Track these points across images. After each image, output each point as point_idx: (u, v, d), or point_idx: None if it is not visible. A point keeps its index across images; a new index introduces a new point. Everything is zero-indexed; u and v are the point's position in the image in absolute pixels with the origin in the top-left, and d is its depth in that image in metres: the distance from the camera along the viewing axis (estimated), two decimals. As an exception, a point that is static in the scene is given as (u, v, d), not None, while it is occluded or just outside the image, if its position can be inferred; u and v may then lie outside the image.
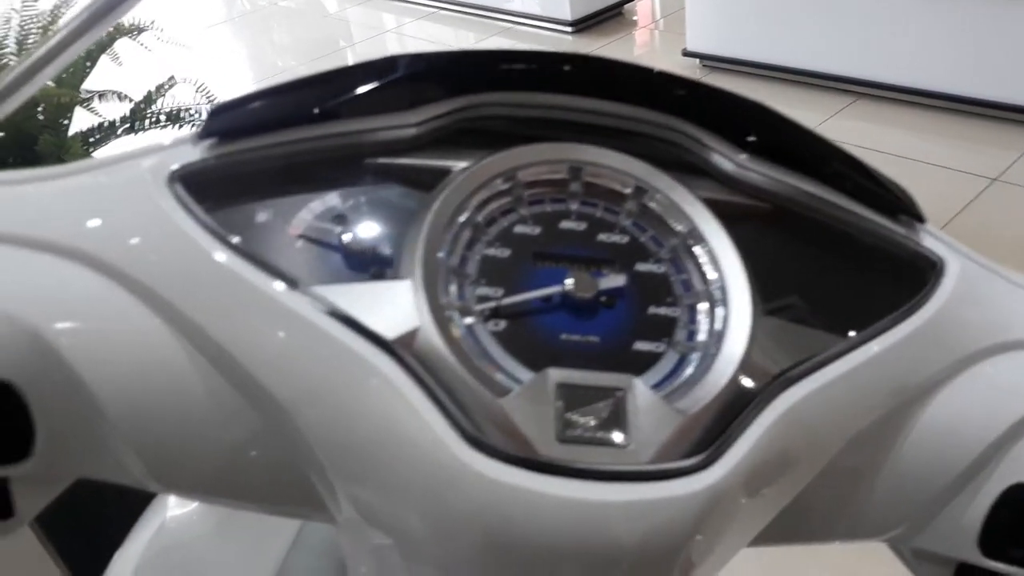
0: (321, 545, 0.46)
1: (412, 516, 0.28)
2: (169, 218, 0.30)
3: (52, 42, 0.41)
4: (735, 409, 0.29)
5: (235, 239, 0.30)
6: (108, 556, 0.49)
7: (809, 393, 0.29)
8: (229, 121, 0.32)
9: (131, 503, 0.50)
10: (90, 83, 1.59)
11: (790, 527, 0.33)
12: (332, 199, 0.32)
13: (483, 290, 0.31)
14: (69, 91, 1.43)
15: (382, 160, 0.33)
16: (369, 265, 0.31)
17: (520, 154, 0.33)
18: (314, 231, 0.31)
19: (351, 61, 0.41)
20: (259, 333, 0.29)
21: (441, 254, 0.30)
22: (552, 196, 0.33)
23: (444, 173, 0.32)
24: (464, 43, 3.45)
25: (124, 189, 0.31)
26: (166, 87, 1.57)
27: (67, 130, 1.50)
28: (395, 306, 0.29)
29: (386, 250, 0.31)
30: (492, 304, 0.30)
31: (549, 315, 0.31)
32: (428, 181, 0.32)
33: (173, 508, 0.50)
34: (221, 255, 0.30)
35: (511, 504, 0.27)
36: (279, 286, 0.29)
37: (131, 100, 1.52)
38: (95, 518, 1.67)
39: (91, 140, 1.47)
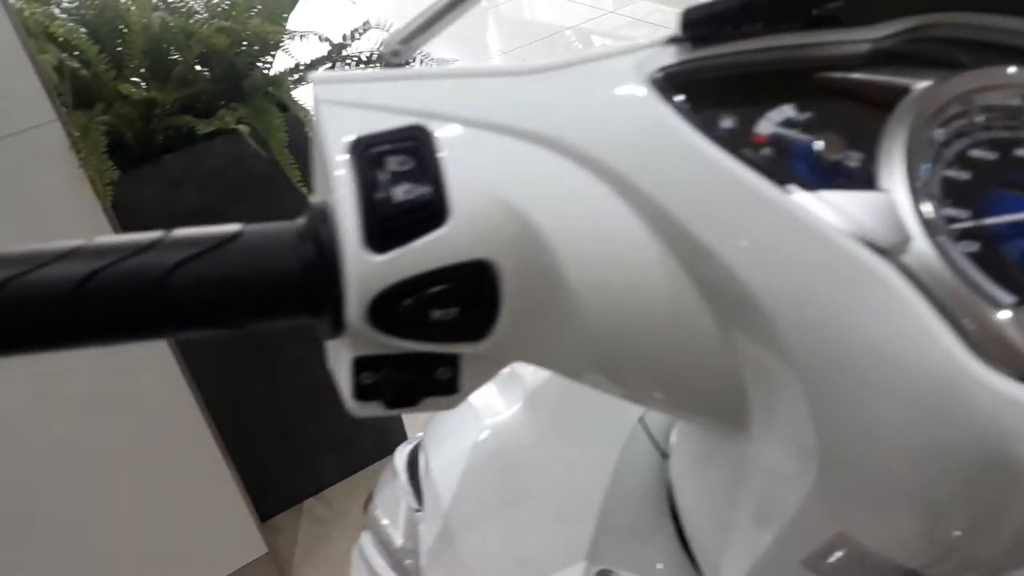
0: (645, 467, 0.47)
1: (892, 436, 0.29)
2: (657, 115, 0.31)
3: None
4: None
5: (721, 137, 0.31)
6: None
7: None
8: (702, 28, 0.33)
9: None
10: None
11: None
12: (789, 110, 0.33)
13: (949, 211, 0.31)
14: (278, 29, 1.49)
15: (838, 74, 0.33)
16: (837, 175, 0.31)
17: (982, 76, 0.32)
18: (782, 138, 0.32)
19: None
20: (748, 232, 0.30)
21: (917, 169, 0.31)
22: (1005, 123, 0.33)
23: (903, 91, 0.32)
24: None
25: (607, 86, 0.33)
26: (361, 31, 1.61)
27: (270, 67, 1.56)
28: (881, 216, 0.29)
29: (853, 162, 0.31)
30: (966, 224, 0.30)
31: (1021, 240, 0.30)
32: (885, 98, 0.32)
33: (487, 416, 0.53)
34: (711, 152, 0.30)
35: (1019, 421, 0.26)
36: (770, 186, 0.30)
37: (330, 42, 1.57)
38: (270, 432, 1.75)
39: (290, 80, 1.53)
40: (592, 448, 0.48)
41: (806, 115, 0.33)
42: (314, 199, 0.34)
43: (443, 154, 0.31)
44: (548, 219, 0.31)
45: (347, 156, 0.31)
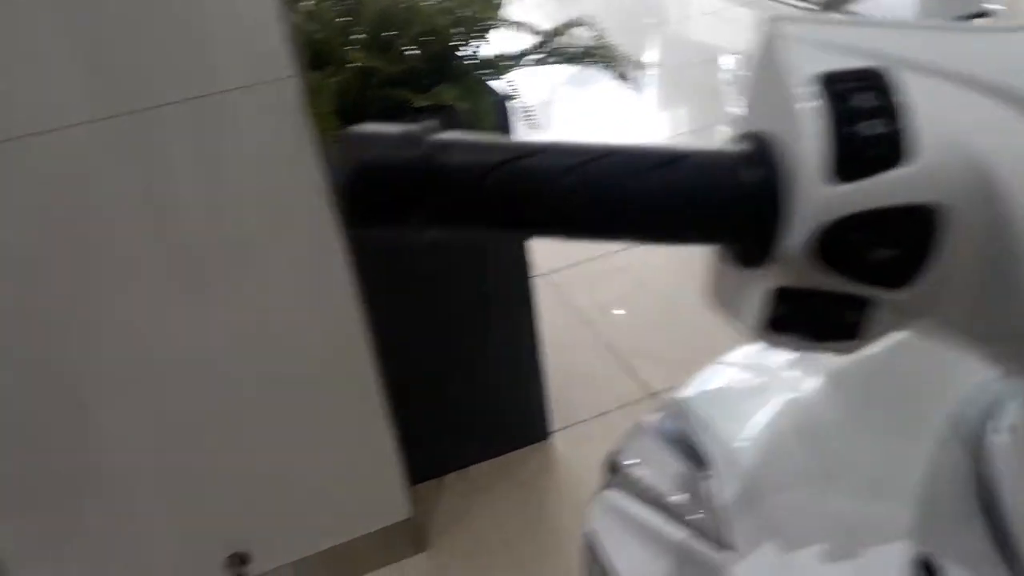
0: (956, 463, 0.46)
1: None
2: None
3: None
4: None
5: None
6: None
7: None
8: None
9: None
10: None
11: None
12: None
13: None
14: (495, 16, 1.54)
15: None
16: None
17: None
18: None
19: None
20: None
21: None
22: None
23: None
24: None
25: None
26: (568, 26, 1.65)
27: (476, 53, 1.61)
28: None
29: None
30: None
31: None
32: None
33: (780, 390, 0.53)
34: None
35: None
36: None
37: (540, 34, 1.61)
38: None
39: (498, 66, 1.57)
40: (901, 438, 0.48)
41: None
42: (752, 128, 0.35)
43: (907, 97, 0.32)
44: (1010, 173, 0.31)
45: (815, 88, 0.32)
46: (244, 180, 1.29)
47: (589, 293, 2.44)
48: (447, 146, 0.33)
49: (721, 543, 0.48)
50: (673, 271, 2.54)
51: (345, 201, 0.32)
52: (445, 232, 0.33)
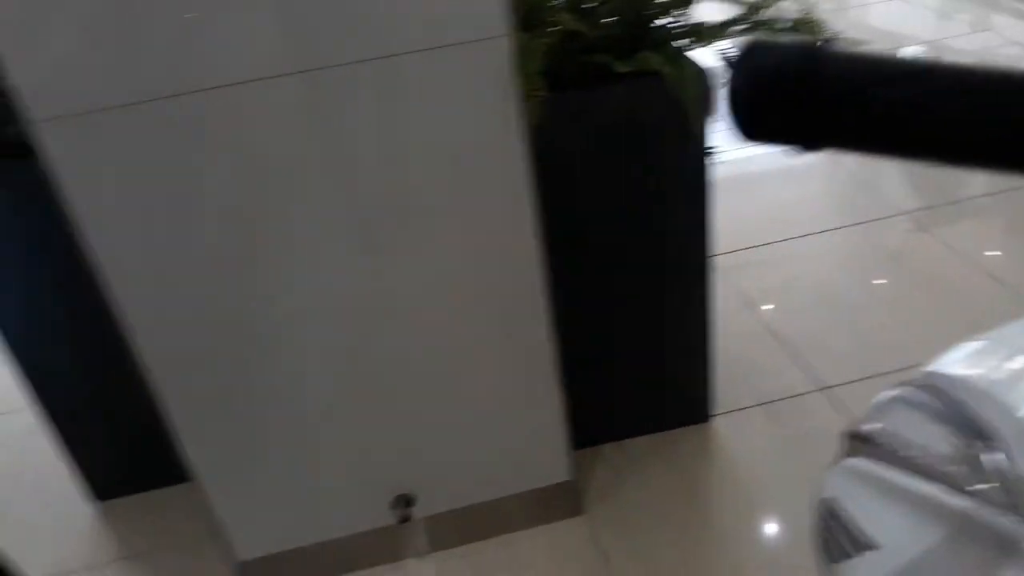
0: None
1: None
2: None
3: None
4: None
5: None
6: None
7: None
8: None
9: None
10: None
11: None
12: None
13: None
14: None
15: None
16: None
17: None
18: None
19: None
20: None
21: None
22: None
23: None
24: None
25: None
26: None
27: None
28: None
29: None
30: None
31: None
32: None
33: None
34: None
35: None
36: None
37: (746, 5, 1.57)
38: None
39: (702, 35, 1.54)
40: None
41: None
42: None
43: None
44: None
45: None
46: (446, 135, 1.32)
47: (756, 279, 2.38)
48: (841, 61, 0.32)
49: (1020, 513, 0.46)
50: (841, 263, 2.44)
51: (742, 109, 0.32)
52: (835, 146, 0.33)
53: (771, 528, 1.71)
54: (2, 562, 1.17)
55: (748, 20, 1.59)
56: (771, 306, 2.28)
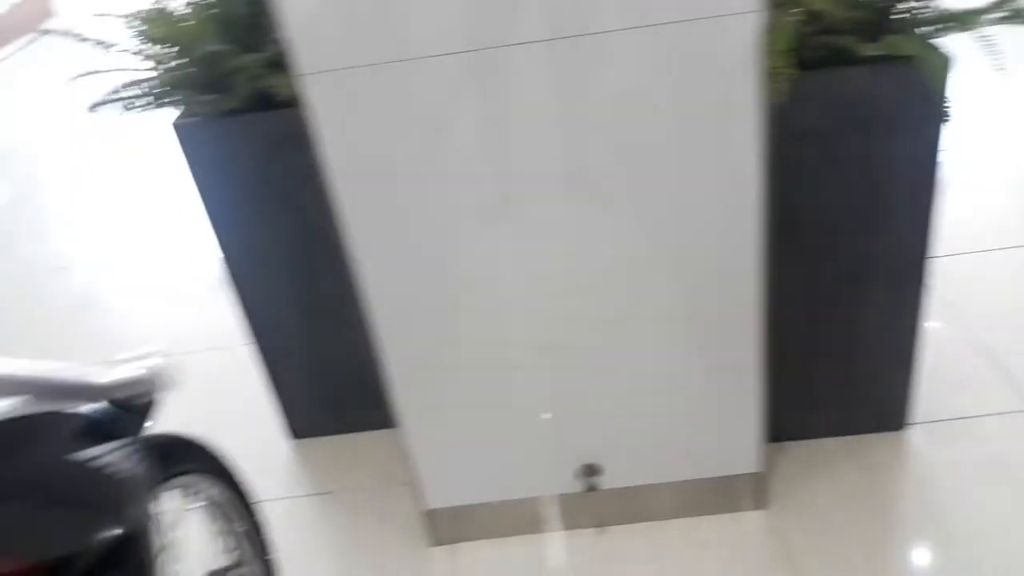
0: None
1: None
2: None
3: None
4: None
5: None
6: None
7: None
8: None
9: None
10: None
11: None
12: None
13: None
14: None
15: None
16: None
17: None
18: None
19: None
20: None
21: None
22: None
23: None
24: None
25: None
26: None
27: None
28: None
29: None
30: None
31: None
32: None
33: None
34: None
35: None
36: None
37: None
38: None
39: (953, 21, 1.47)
40: None
41: None
42: None
43: None
44: None
45: None
46: (688, 104, 1.31)
47: (967, 288, 2.25)
48: None
49: None
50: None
51: None
52: None
53: (965, 551, 1.62)
54: (227, 466, 1.28)
55: (1001, 7, 1.50)
56: (982, 317, 2.16)
